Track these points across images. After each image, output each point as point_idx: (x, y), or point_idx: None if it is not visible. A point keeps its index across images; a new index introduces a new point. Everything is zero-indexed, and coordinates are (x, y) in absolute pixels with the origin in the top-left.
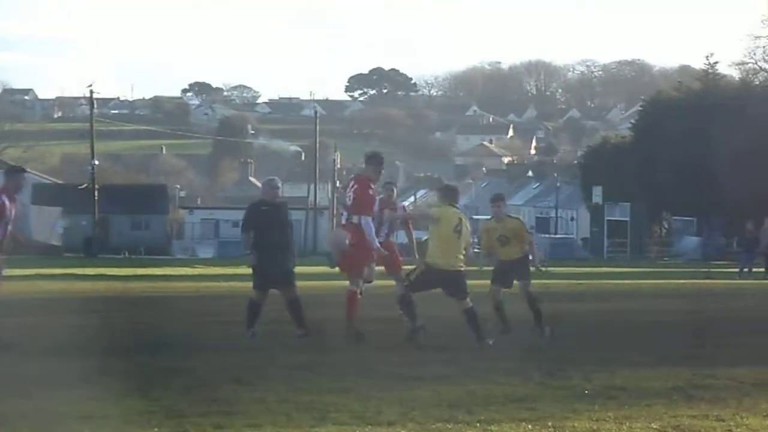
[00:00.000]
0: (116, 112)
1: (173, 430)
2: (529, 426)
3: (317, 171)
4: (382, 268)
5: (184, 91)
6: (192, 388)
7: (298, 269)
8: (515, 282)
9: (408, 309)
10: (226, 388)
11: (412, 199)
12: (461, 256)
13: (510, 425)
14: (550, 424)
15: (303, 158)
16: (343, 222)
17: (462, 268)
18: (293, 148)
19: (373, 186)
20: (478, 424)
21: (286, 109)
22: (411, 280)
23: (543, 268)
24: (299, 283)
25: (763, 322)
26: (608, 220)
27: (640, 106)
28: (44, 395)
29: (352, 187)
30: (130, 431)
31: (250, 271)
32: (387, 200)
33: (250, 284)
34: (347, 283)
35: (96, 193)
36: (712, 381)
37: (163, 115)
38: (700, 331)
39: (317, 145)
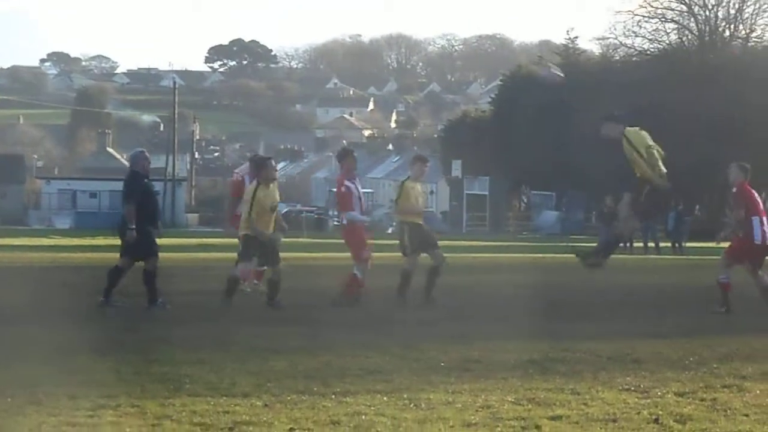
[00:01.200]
0: None
1: (27, 400)
2: (385, 398)
3: (176, 142)
4: None
5: (42, 60)
6: (47, 358)
7: (163, 241)
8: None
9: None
10: (81, 358)
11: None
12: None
13: (365, 397)
14: (405, 396)
15: (162, 129)
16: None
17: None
18: (151, 118)
19: (346, 182)
20: (333, 396)
21: (144, 79)
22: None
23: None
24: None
25: (623, 295)
26: (467, 194)
27: (500, 80)
28: None
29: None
30: None
31: (106, 242)
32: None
33: (107, 255)
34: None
35: None
36: (568, 354)
37: (20, 84)
38: (557, 305)
39: (176, 115)
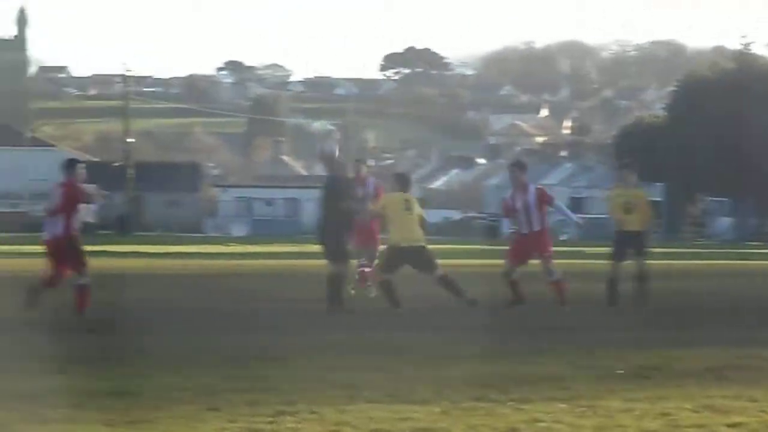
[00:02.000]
0: (151, 90)
1: (206, 406)
2: (562, 405)
3: (350, 150)
4: None
5: (218, 69)
6: (225, 366)
7: None
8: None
9: (389, 294)
10: (259, 366)
11: (445, 178)
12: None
13: (543, 405)
14: (583, 403)
15: (337, 137)
16: None
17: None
18: (326, 126)
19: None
20: (511, 403)
21: (319, 88)
22: (382, 263)
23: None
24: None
25: None
26: None
27: (674, 86)
28: (78, 372)
29: None
30: (164, 407)
31: (282, 249)
32: (357, 177)
33: (283, 262)
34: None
35: (130, 170)
36: (746, 362)
37: (196, 93)
38: (737, 312)
39: (350, 123)
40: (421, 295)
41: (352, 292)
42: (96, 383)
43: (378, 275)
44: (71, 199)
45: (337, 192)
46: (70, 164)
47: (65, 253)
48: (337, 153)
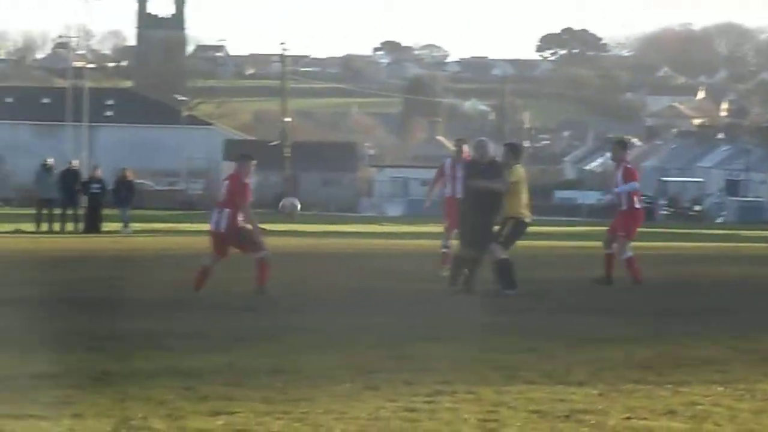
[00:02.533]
0: (307, 69)
1: (364, 385)
2: (721, 389)
3: (506, 130)
4: None
5: (375, 49)
6: (381, 345)
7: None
8: None
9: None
10: (415, 345)
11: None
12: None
13: (701, 388)
14: (741, 387)
15: (491, 117)
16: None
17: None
18: (482, 107)
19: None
20: (668, 386)
21: (475, 68)
22: (504, 237)
23: None
24: None
25: None
26: None
27: None
28: (237, 350)
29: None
30: (322, 386)
31: (434, 229)
32: (458, 157)
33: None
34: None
35: (287, 149)
36: None
37: (353, 73)
38: None
39: (506, 104)
40: (566, 278)
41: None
42: (254, 361)
43: (500, 252)
44: (232, 194)
45: (484, 175)
46: (242, 159)
47: (229, 243)
48: (488, 142)
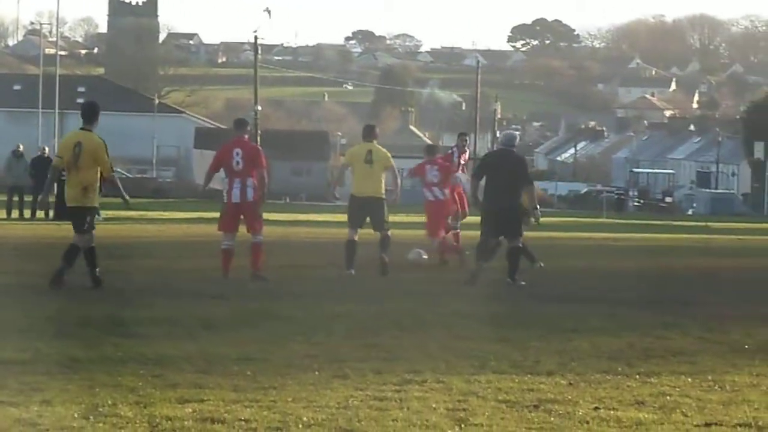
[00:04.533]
0: (280, 58)
1: (333, 374)
2: (689, 379)
3: (478, 121)
4: None
5: (347, 38)
6: (352, 333)
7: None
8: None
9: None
10: (385, 334)
11: (572, 151)
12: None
13: (669, 378)
14: (710, 378)
15: (464, 108)
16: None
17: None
18: (454, 97)
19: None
20: (637, 377)
21: (447, 58)
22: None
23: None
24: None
25: None
26: None
27: None
28: (206, 337)
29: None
30: (291, 374)
31: (412, 219)
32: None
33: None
34: None
35: (258, 138)
36: None
37: (325, 62)
38: None
39: (478, 95)
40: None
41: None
42: (224, 349)
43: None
44: (252, 159)
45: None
46: (242, 123)
47: (248, 215)
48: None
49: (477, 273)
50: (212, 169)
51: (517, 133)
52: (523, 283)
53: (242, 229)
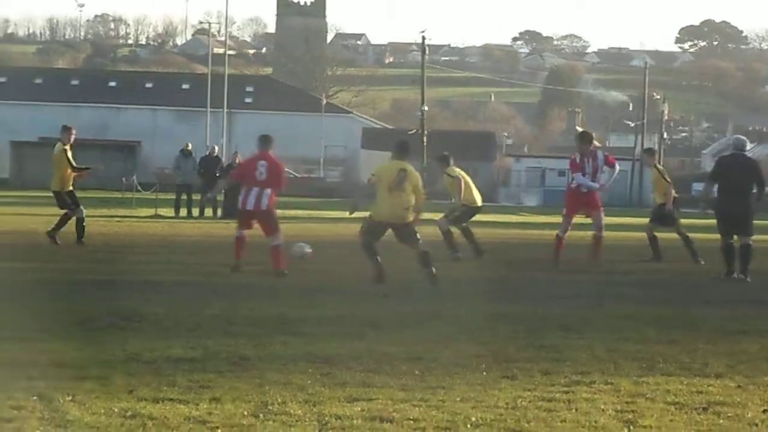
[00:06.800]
0: (446, 59)
1: (501, 374)
2: None
3: (645, 122)
4: None
5: (514, 39)
6: (518, 334)
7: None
8: None
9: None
10: (552, 335)
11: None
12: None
13: None
14: None
15: (631, 108)
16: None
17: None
18: (621, 98)
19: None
20: None
21: (615, 59)
22: (363, 229)
23: None
24: None
25: None
26: None
27: None
28: (376, 337)
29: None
30: (459, 373)
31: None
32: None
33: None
34: None
35: (424, 138)
36: None
37: (492, 62)
38: None
39: (646, 96)
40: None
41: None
42: (391, 348)
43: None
44: (276, 175)
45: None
46: (266, 139)
47: (262, 221)
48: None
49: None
50: (234, 177)
51: (744, 138)
52: (749, 280)
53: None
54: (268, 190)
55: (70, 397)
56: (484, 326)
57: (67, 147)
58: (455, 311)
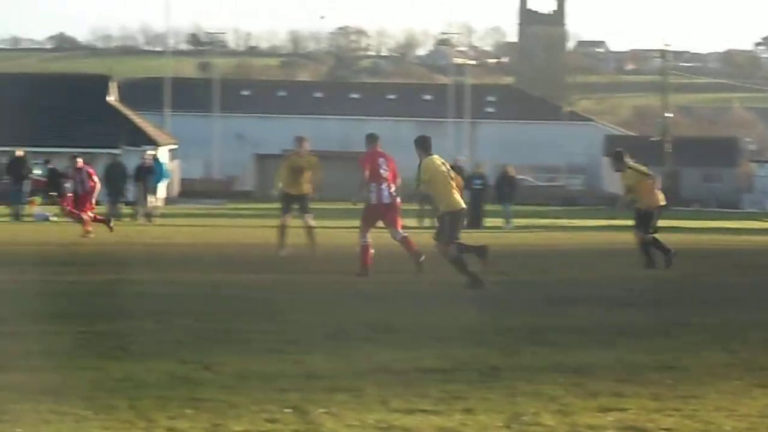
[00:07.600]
0: (688, 65)
1: (753, 382)
2: None
3: None
4: None
5: (757, 44)
6: (765, 343)
7: None
8: None
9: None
10: None
11: None
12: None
13: None
14: None
15: None
16: None
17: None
18: None
19: None
20: None
21: None
22: (443, 233)
23: None
24: None
25: None
26: None
27: None
28: (625, 345)
29: None
30: (709, 382)
31: None
32: None
33: None
34: None
35: (668, 145)
36: None
37: (734, 68)
38: None
39: None
40: None
41: None
42: (641, 357)
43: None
44: (393, 171)
45: None
46: (372, 137)
47: (389, 215)
48: None
49: None
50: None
51: None
52: None
53: None
54: (392, 184)
55: (324, 410)
56: (734, 334)
57: (295, 156)
58: (701, 319)
